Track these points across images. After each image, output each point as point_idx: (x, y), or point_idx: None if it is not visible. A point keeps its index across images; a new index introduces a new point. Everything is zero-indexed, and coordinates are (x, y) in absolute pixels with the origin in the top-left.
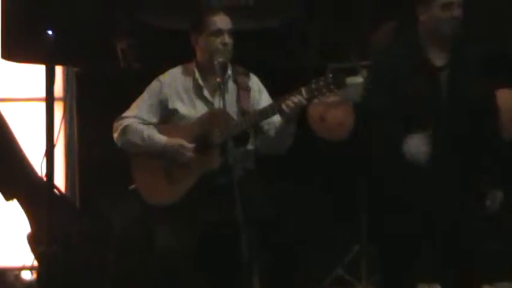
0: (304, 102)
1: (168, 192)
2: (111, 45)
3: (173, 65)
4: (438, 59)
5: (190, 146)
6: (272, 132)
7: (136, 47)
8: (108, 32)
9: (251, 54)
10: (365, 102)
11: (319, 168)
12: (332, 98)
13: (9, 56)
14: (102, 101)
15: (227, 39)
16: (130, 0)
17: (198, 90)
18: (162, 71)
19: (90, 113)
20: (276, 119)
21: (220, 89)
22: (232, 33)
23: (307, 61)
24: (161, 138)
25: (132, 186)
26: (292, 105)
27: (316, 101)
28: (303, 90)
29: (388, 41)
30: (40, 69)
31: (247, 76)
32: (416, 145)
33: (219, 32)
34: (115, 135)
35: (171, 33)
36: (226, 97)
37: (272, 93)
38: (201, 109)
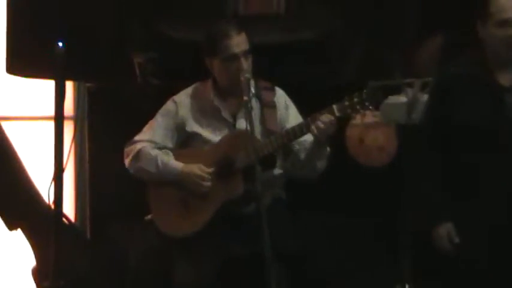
0: (336, 121)
1: (187, 223)
2: (127, 59)
3: (195, 80)
4: (504, 79)
5: (208, 172)
6: (302, 155)
7: (155, 61)
8: (124, 44)
9: (281, 69)
10: (422, 127)
11: (355, 197)
12: (373, 119)
13: (14, 70)
14: (117, 121)
15: (243, 63)
16: (149, 9)
17: (215, 112)
18: (183, 87)
19: (103, 134)
20: (308, 138)
21: (246, 108)
22: (251, 51)
23: (346, 78)
24: (176, 165)
25: (149, 216)
26: (322, 124)
27: (355, 121)
28: (335, 108)
29: (437, 58)
30: (49, 85)
31: (272, 91)
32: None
33: (234, 58)
34: (126, 161)
35: (193, 46)
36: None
37: (305, 113)
38: (221, 131)
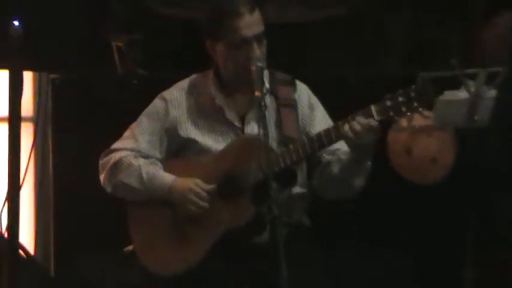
0: (375, 125)
1: (179, 258)
2: (104, 43)
3: (191, 70)
4: None
5: (207, 190)
6: (335, 168)
7: (139, 44)
8: (100, 23)
9: (303, 56)
10: (492, 131)
11: (402, 224)
12: (423, 121)
13: None
14: (90, 123)
15: (256, 50)
16: None
17: (217, 112)
18: (176, 80)
19: (71, 140)
20: (342, 147)
21: (258, 108)
22: (266, 35)
23: (390, 68)
24: (166, 178)
25: (129, 247)
26: (359, 126)
27: (400, 125)
28: (374, 110)
29: (508, 42)
30: (1, 76)
31: (292, 85)
32: None
33: (244, 42)
34: (102, 176)
35: (189, 26)
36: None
37: (337, 113)
38: (225, 138)
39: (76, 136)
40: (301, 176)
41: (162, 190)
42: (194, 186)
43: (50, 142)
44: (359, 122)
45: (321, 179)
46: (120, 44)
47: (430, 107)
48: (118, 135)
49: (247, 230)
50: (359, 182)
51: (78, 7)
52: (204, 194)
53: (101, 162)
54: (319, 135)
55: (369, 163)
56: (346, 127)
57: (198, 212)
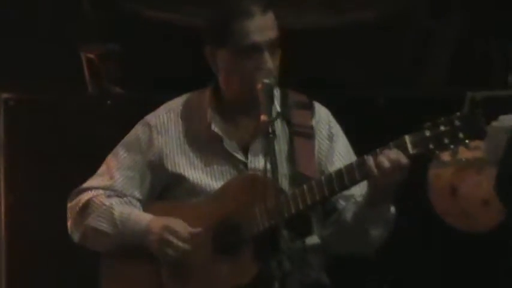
0: (407, 161)
1: None
2: (72, 54)
3: (182, 89)
4: None
5: (192, 232)
6: (349, 215)
7: (116, 56)
8: (67, 31)
9: (325, 70)
10: None
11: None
12: (471, 154)
13: None
14: (52, 154)
15: (267, 60)
16: None
17: (214, 141)
18: (164, 100)
19: (28, 175)
20: (362, 191)
21: (266, 137)
22: (278, 43)
23: (430, 87)
24: (142, 219)
25: None
26: (387, 163)
27: (442, 159)
28: (408, 141)
29: None
30: None
31: (309, 109)
32: None
33: (255, 49)
34: (69, 222)
35: (178, 34)
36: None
37: (362, 144)
38: (223, 174)
39: (34, 170)
40: (317, 223)
41: (138, 234)
42: (173, 224)
43: (1, 177)
44: (389, 158)
45: (334, 231)
46: (92, 56)
47: (480, 136)
48: (89, 170)
49: None
50: (378, 232)
51: (39, 10)
52: (185, 234)
53: (69, 205)
54: (339, 173)
55: (392, 209)
56: (371, 162)
57: (177, 257)
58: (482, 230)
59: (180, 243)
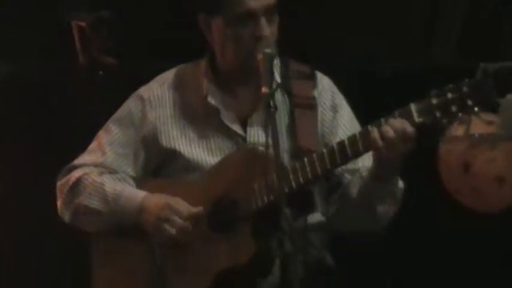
0: (412, 130)
1: None
2: (61, 22)
3: (176, 59)
4: None
5: (192, 212)
6: (354, 191)
7: (107, 25)
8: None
9: (328, 40)
10: None
11: (457, 263)
12: (484, 129)
13: None
14: (39, 131)
15: (264, 28)
16: None
17: (210, 115)
18: (159, 71)
19: (12, 155)
20: (367, 164)
21: (266, 109)
22: (277, 10)
23: (440, 58)
24: (136, 196)
25: None
26: (392, 132)
27: (454, 133)
28: (414, 109)
29: None
30: None
31: (311, 79)
32: None
33: (250, 16)
34: (59, 201)
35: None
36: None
37: (368, 116)
38: (221, 148)
39: (20, 149)
40: (320, 200)
41: (131, 212)
42: (173, 202)
43: None
44: (393, 127)
45: (339, 207)
46: (83, 24)
47: (492, 108)
48: (80, 146)
49: (249, 272)
50: (385, 208)
51: None
52: (186, 212)
53: (58, 183)
54: (341, 144)
55: (400, 184)
56: (375, 133)
57: (178, 236)
58: (494, 209)
59: (181, 222)
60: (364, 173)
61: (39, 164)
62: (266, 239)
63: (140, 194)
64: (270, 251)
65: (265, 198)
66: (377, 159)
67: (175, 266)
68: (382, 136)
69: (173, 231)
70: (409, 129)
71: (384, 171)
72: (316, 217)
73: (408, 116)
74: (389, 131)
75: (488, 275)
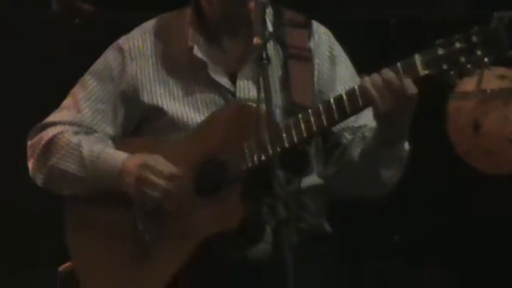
0: (398, 83)
1: (140, 280)
2: None
3: (160, 7)
4: None
5: (173, 172)
6: (356, 152)
7: None
8: None
9: None
10: None
11: (467, 223)
12: (497, 84)
13: None
14: (7, 86)
15: None
16: None
17: (196, 68)
18: (140, 21)
19: None
20: (370, 124)
21: (257, 62)
22: None
23: (450, 8)
24: (115, 158)
25: (66, 264)
26: (386, 87)
27: (464, 90)
28: (418, 60)
29: None
30: None
31: (307, 29)
32: None
33: None
34: (30, 162)
35: None
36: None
37: (370, 70)
38: (208, 105)
39: None
40: (317, 161)
41: (111, 175)
42: (151, 161)
43: None
44: (384, 77)
45: (338, 169)
46: None
47: (505, 60)
48: (54, 103)
49: (237, 240)
50: (389, 173)
51: None
52: (166, 172)
53: (29, 143)
54: (339, 99)
55: (406, 147)
56: (367, 82)
57: (159, 197)
58: (507, 171)
59: (162, 182)
60: (368, 134)
61: (9, 121)
62: (257, 204)
63: (121, 156)
64: (261, 217)
65: (255, 159)
66: (378, 118)
67: (157, 231)
68: (378, 89)
69: (155, 193)
70: (408, 82)
71: (389, 133)
72: (312, 180)
73: (412, 68)
74: (378, 80)
75: (497, 235)
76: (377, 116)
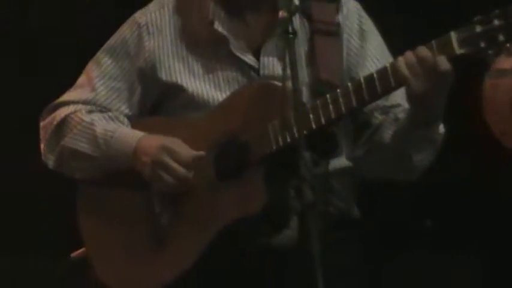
0: (433, 60)
1: (155, 270)
2: None
3: None
4: None
5: (193, 155)
6: (387, 134)
7: None
8: None
9: None
10: None
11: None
12: None
13: None
14: (21, 60)
15: None
16: None
17: (218, 43)
18: None
19: None
20: (404, 104)
21: (283, 37)
22: None
23: None
24: (130, 137)
25: (78, 251)
26: (420, 65)
27: (501, 67)
28: (454, 38)
29: None
30: None
31: (335, 2)
32: None
33: None
34: (43, 144)
35: None
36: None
37: (404, 44)
38: (230, 82)
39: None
40: (346, 142)
41: (125, 156)
42: (170, 144)
43: None
44: (417, 54)
45: (368, 151)
46: None
47: None
48: (66, 83)
49: (261, 226)
50: (421, 157)
51: None
52: (186, 157)
53: (41, 124)
54: (369, 78)
55: (441, 130)
56: (401, 62)
57: (175, 184)
58: None
59: (181, 169)
60: (401, 115)
61: (19, 102)
62: (281, 187)
63: (136, 135)
64: (286, 201)
65: (280, 140)
66: (411, 99)
67: (175, 215)
68: (411, 68)
69: (170, 179)
70: (443, 61)
71: (423, 115)
72: (340, 162)
73: (447, 46)
74: (411, 58)
75: None
76: (410, 96)
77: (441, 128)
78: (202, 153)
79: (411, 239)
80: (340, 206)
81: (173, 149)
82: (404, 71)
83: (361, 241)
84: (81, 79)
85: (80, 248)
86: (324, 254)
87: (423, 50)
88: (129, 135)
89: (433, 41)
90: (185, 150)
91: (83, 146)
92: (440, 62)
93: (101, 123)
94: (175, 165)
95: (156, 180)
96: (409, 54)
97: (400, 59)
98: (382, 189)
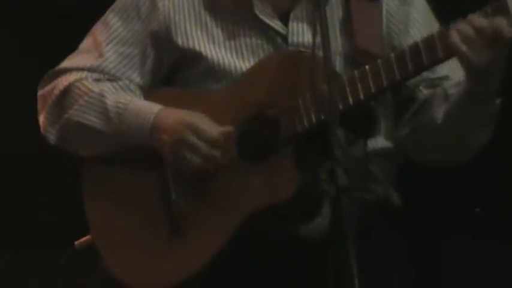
0: (508, 28)
1: (173, 261)
2: None
3: None
4: None
5: (221, 131)
6: (439, 113)
7: None
8: None
9: None
10: None
11: None
12: None
13: None
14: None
15: None
16: None
17: (241, 7)
18: None
19: None
20: (453, 76)
21: (316, 0)
22: None
23: None
24: (147, 110)
25: (84, 238)
26: (470, 34)
27: None
28: (510, 1)
29: None
30: None
31: None
32: None
33: None
34: (42, 116)
35: None
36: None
37: (448, 12)
38: (254, 51)
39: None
40: (386, 120)
41: (142, 129)
42: (194, 119)
43: None
44: (473, 24)
45: (414, 129)
46: None
47: None
48: (68, 47)
49: (290, 213)
50: (478, 136)
51: None
52: (212, 133)
53: (39, 93)
54: (414, 48)
55: (497, 101)
56: (455, 36)
57: (202, 165)
58: None
59: (206, 148)
60: (451, 90)
61: (19, 68)
62: (313, 170)
63: (153, 108)
64: (318, 185)
65: (312, 117)
66: (466, 70)
67: (194, 200)
68: (461, 34)
69: (196, 159)
70: (504, 25)
71: (483, 88)
72: (379, 142)
73: (504, 12)
74: (467, 29)
75: None
76: (469, 72)
77: (497, 102)
78: (230, 128)
79: (459, 228)
80: (378, 192)
81: (197, 125)
82: (461, 46)
83: (402, 231)
84: (86, 42)
85: (85, 235)
86: (360, 246)
87: (478, 19)
88: (145, 108)
89: (488, 7)
90: (211, 127)
91: (91, 120)
92: (503, 29)
93: (112, 94)
94: (201, 143)
95: (177, 160)
96: (462, 26)
97: (453, 32)
98: (427, 173)
